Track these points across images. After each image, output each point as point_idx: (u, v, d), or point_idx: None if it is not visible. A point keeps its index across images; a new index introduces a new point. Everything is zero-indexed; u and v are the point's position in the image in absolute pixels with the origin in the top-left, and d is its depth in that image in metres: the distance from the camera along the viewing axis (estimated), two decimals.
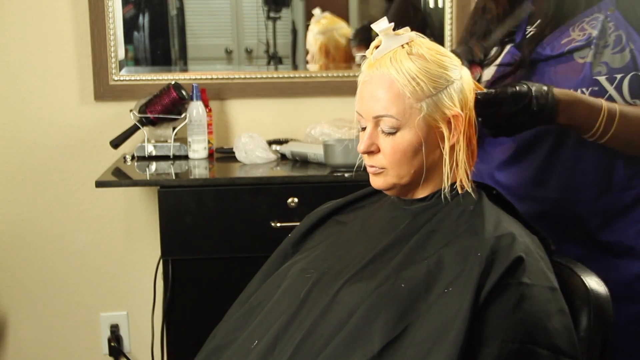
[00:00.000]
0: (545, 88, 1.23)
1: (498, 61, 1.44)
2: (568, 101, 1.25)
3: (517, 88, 1.22)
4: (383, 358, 1.04)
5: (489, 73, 1.45)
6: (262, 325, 1.21)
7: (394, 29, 1.16)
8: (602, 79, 1.30)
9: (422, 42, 1.17)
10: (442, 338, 1.02)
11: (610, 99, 1.30)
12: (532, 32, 1.40)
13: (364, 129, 1.19)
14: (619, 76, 1.30)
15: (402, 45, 1.15)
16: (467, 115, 1.16)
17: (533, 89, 1.23)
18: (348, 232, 1.29)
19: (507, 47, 1.44)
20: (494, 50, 1.45)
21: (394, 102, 1.13)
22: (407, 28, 1.18)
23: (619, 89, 1.30)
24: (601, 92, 1.30)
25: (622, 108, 1.28)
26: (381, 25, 1.16)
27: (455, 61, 1.17)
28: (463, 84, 1.16)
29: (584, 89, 1.31)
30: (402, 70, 1.13)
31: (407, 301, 1.08)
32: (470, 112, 1.18)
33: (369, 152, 1.19)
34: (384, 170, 1.19)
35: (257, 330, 1.21)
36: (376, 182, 1.21)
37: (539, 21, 1.40)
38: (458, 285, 1.06)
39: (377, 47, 1.17)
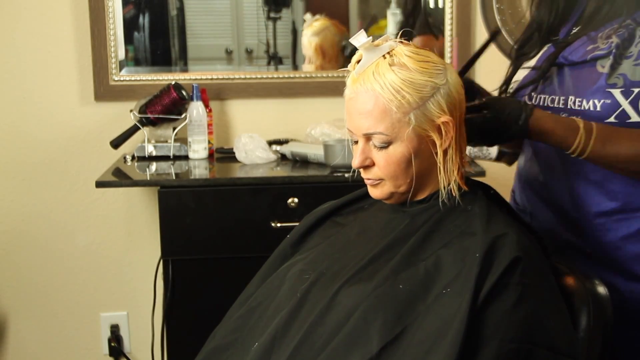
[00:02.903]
0: (522, 115, 1.23)
1: (533, 62, 1.41)
2: (539, 131, 1.24)
3: (488, 116, 1.23)
4: (382, 359, 1.04)
5: (525, 73, 1.42)
6: (261, 326, 1.21)
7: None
8: (616, 92, 1.23)
9: (403, 50, 1.15)
10: (440, 339, 1.02)
11: (624, 113, 1.24)
12: (570, 36, 1.36)
13: (356, 142, 1.19)
14: (636, 90, 1.22)
15: (383, 56, 1.14)
16: (457, 117, 1.16)
17: (504, 114, 1.23)
18: (347, 233, 1.29)
19: (546, 47, 1.40)
20: (533, 53, 1.42)
21: (381, 119, 1.13)
22: (387, 36, 1.17)
23: (634, 103, 1.23)
24: (613, 106, 1.24)
25: (600, 127, 1.23)
26: (360, 40, 1.15)
27: (440, 65, 1.16)
28: (450, 87, 1.15)
29: (595, 100, 1.26)
30: (385, 85, 1.12)
31: (405, 302, 1.08)
32: (460, 113, 1.17)
33: (364, 167, 1.19)
34: (382, 181, 1.19)
35: (256, 331, 1.22)
36: (374, 192, 1.22)
37: (579, 28, 1.36)
38: (456, 286, 1.06)
39: (358, 61, 1.16)
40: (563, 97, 1.33)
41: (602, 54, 1.26)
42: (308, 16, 2.56)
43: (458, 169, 1.18)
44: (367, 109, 1.14)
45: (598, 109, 1.25)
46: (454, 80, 1.16)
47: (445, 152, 1.16)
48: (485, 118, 1.23)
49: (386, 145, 1.15)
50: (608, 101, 1.24)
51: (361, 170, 1.20)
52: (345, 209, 1.37)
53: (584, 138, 1.21)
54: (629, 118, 1.24)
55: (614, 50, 1.24)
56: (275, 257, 1.37)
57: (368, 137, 1.16)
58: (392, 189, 1.19)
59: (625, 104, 1.23)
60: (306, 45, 2.58)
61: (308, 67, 2.59)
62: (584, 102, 1.27)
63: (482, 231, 1.12)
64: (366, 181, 1.21)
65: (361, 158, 1.18)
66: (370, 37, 1.15)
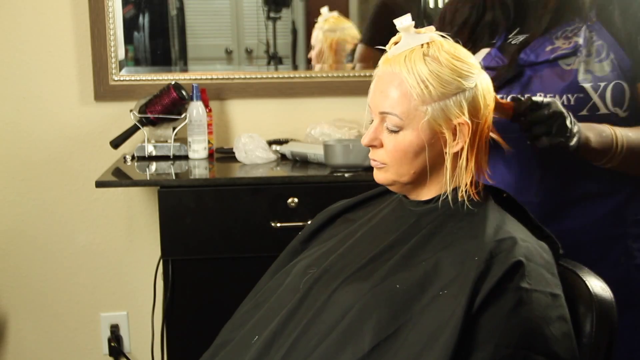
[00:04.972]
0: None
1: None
2: (585, 149, 1.29)
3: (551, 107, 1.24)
4: (373, 357, 1.04)
5: None
6: (264, 321, 1.22)
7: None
8: (587, 86, 1.34)
9: (442, 44, 1.15)
10: (433, 341, 1.01)
11: (594, 106, 1.34)
12: (519, 39, 1.42)
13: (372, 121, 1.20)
14: (602, 84, 1.34)
15: (421, 45, 1.14)
16: (476, 124, 1.14)
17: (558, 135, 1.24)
18: (354, 231, 1.29)
19: (486, 50, 1.45)
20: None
21: (400, 102, 1.13)
22: (432, 27, 1.17)
23: (602, 96, 1.34)
24: (586, 99, 1.34)
25: (626, 135, 1.32)
26: (403, 22, 1.15)
27: (474, 68, 1.15)
28: (477, 92, 1.14)
29: (569, 95, 1.35)
30: (413, 71, 1.12)
31: (401, 302, 1.08)
32: (484, 122, 1.16)
33: (372, 146, 1.19)
34: (385, 166, 1.19)
35: (258, 326, 1.22)
36: (377, 176, 1.21)
37: (517, 29, 1.44)
38: (453, 288, 1.05)
39: (396, 43, 1.16)
40: (528, 95, 1.36)
41: (567, 52, 1.36)
42: (325, 10, 2.55)
43: (471, 178, 1.16)
44: (389, 89, 1.14)
45: (572, 102, 1.34)
46: (484, 87, 1.15)
47: (456, 156, 1.15)
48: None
49: (397, 129, 1.15)
50: (581, 95, 1.34)
51: (370, 149, 1.21)
52: (358, 207, 1.37)
53: (616, 153, 1.31)
54: (599, 110, 1.35)
55: (581, 49, 1.35)
56: (285, 254, 1.37)
57: (383, 118, 1.16)
58: (395, 176, 1.18)
59: (595, 97, 1.34)
60: (320, 38, 2.56)
61: (316, 65, 2.57)
62: (557, 98, 1.35)
63: (485, 234, 1.10)
64: (371, 162, 1.21)
65: (371, 136, 1.18)
66: (413, 22, 1.14)
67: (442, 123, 1.13)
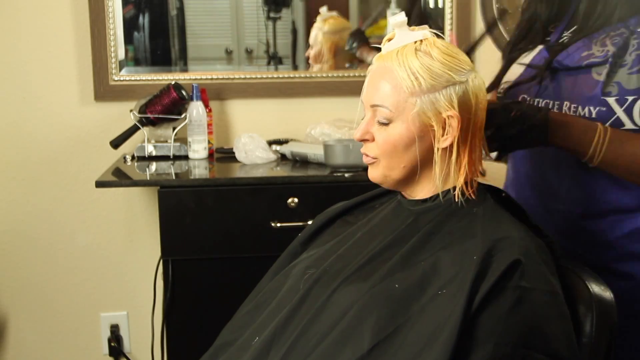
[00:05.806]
0: (539, 107, 1.23)
1: (527, 60, 1.40)
2: (561, 121, 1.23)
3: (509, 101, 1.22)
4: (372, 357, 1.04)
5: (516, 72, 1.41)
6: (263, 322, 1.22)
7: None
8: (610, 100, 1.24)
9: (435, 42, 1.16)
10: (433, 341, 1.01)
11: (618, 121, 1.24)
12: (563, 39, 1.36)
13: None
14: (630, 98, 1.23)
15: (414, 42, 1.16)
16: (467, 119, 1.15)
17: (524, 105, 1.22)
18: (354, 231, 1.29)
19: (540, 47, 1.40)
20: (526, 50, 1.42)
21: (390, 94, 1.14)
22: (425, 26, 1.18)
23: (629, 111, 1.23)
24: (609, 113, 1.25)
25: (615, 132, 1.23)
26: (397, 19, 1.16)
27: (465, 65, 1.16)
28: (468, 88, 1.14)
29: (591, 107, 1.26)
30: (404, 65, 1.14)
31: (400, 302, 1.08)
32: (475, 118, 1.16)
33: (364, 140, 1.20)
34: (377, 161, 1.20)
35: (258, 328, 1.22)
36: (370, 174, 1.23)
37: (574, 27, 1.36)
38: (452, 288, 1.05)
39: (390, 40, 1.18)
40: (558, 102, 1.32)
41: (598, 61, 1.27)
42: (324, 9, 2.54)
43: (465, 176, 1.16)
44: (381, 83, 1.16)
45: (593, 115, 1.26)
46: (476, 85, 1.16)
47: (447, 152, 1.16)
48: (509, 117, 1.22)
49: (387, 122, 1.16)
50: (603, 109, 1.25)
51: (363, 144, 1.22)
52: (357, 208, 1.38)
53: (601, 139, 1.22)
54: (623, 125, 1.25)
55: (610, 59, 1.25)
56: (285, 255, 1.38)
57: (374, 111, 1.17)
58: (385, 170, 1.19)
59: (619, 112, 1.24)
60: (320, 39, 2.55)
61: (312, 62, 2.57)
62: (579, 109, 1.28)
63: (484, 233, 1.10)
64: (364, 159, 1.22)
65: (363, 130, 1.19)
66: (406, 19, 1.16)
67: (432, 116, 1.14)
